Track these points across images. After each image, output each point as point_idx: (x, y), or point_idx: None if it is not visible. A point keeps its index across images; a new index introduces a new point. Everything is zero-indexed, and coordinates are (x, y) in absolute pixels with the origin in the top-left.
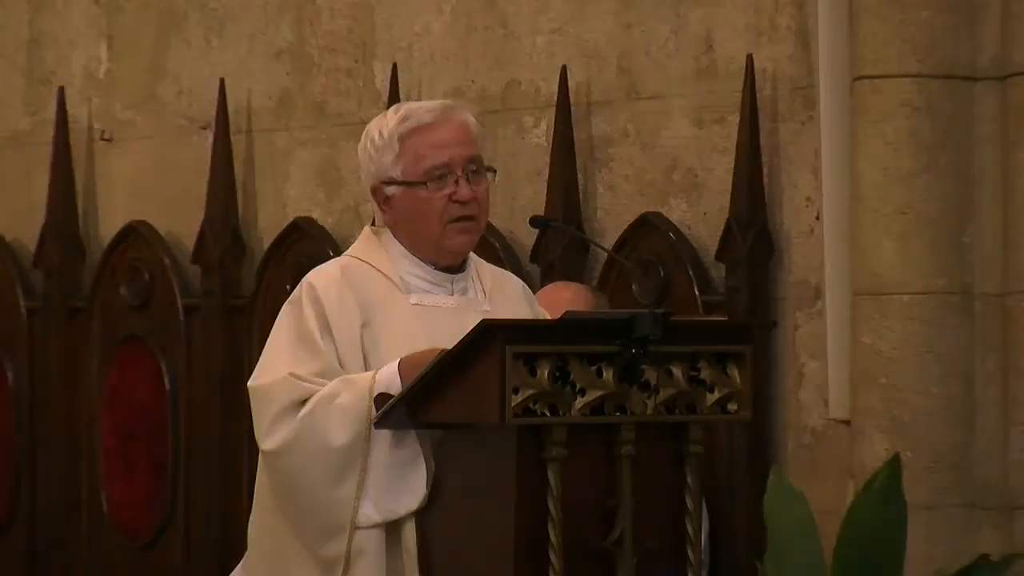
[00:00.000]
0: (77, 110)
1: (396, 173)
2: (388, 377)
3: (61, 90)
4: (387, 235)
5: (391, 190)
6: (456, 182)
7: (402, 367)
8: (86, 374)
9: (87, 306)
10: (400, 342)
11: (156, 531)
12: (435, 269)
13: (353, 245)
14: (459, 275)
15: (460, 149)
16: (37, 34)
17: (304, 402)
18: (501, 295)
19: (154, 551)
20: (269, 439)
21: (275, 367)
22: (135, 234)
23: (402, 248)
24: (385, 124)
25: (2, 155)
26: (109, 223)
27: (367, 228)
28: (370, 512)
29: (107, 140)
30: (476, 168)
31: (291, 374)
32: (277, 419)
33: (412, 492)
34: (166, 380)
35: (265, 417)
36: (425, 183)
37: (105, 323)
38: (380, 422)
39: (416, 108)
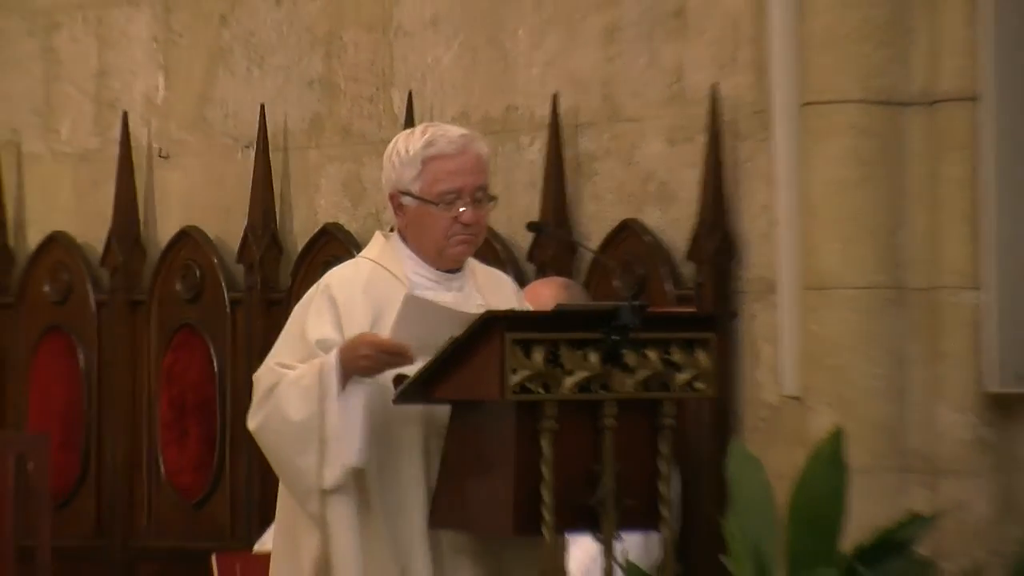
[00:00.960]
0: (138, 131)
1: (414, 188)
2: (331, 362)
3: (125, 114)
4: (396, 239)
5: (406, 200)
6: (463, 206)
7: (341, 350)
8: (145, 357)
9: (147, 299)
10: (421, 337)
11: (206, 492)
12: (436, 270)
13: (366, 248)
14: (456, 274)
15: (472, 179)
16: (104, 66)
17: (276, 386)
18: (492, 290)
19: (204, 509)
20: (252, 420)
21: (272, 358)
22: (188, 237)
23: (408, 251)
24: (412, 143)
25: (75, 169)
26: (166, 228)
27: (378, 233)
28: (330, 474)
29: (164, 157)
30: (481, 196)
31: (277, 363)
32: (258, 402)
33: (346, 460)
34: (214, 362)
35: (253, 401)
36: (437, 203)
37: (162, 313)
38: (398, 399)
39: (440, 136)
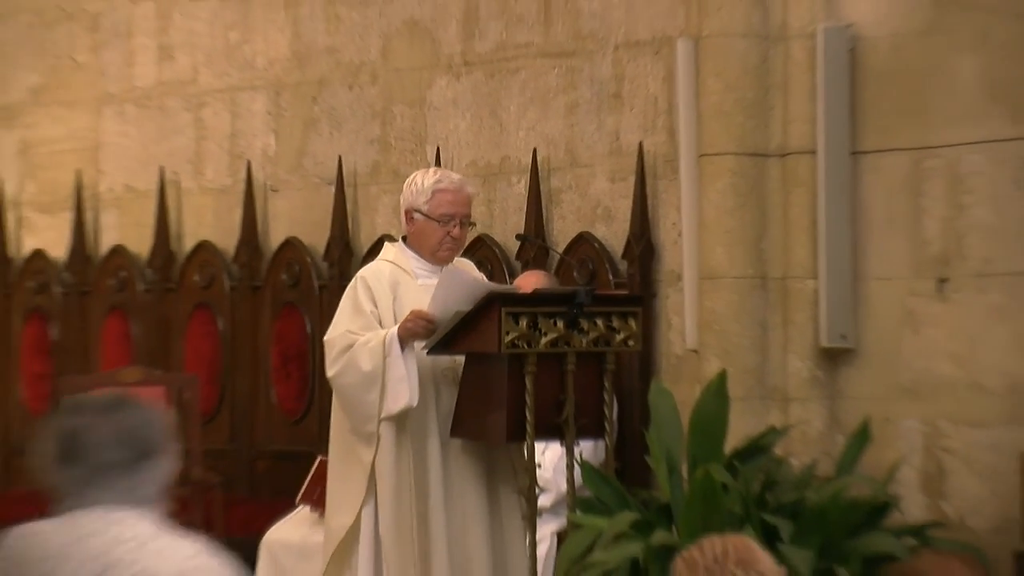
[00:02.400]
0: (257, 173)
1: (423, 208)
2: (393, 334)
3: (248, 163)
4: (402, 246)
5: (416, 216)
6: (454, 226)
7: (399, 328)
8: (263, 324)
9: (263, 285)
10: (414, 305)
11: (302, 413)
12: (430, 264)
13: (383, 252)
14: (443, 266)
15: (463, 209)
16: (235, 130)
17: (350, 346)
18: (459, 275)
19: (301, 425)
20: (331, 369)
21: (339, 326)
22: (290, 244)
23: (412, 253)
24: (427, 178)
25: (215, 199)
26: (276, 238)
27: (387, 243)
28: (387, 408)
29: (274, 191)
30: (466, 221)
31: (347, 330)
32: (335, 357)
33: (401, 399)
34: (308, 327)
35: (330, 356)
36: (438, 221)
37: (273, 295)
38: (430, 352)
39: (445, 176)
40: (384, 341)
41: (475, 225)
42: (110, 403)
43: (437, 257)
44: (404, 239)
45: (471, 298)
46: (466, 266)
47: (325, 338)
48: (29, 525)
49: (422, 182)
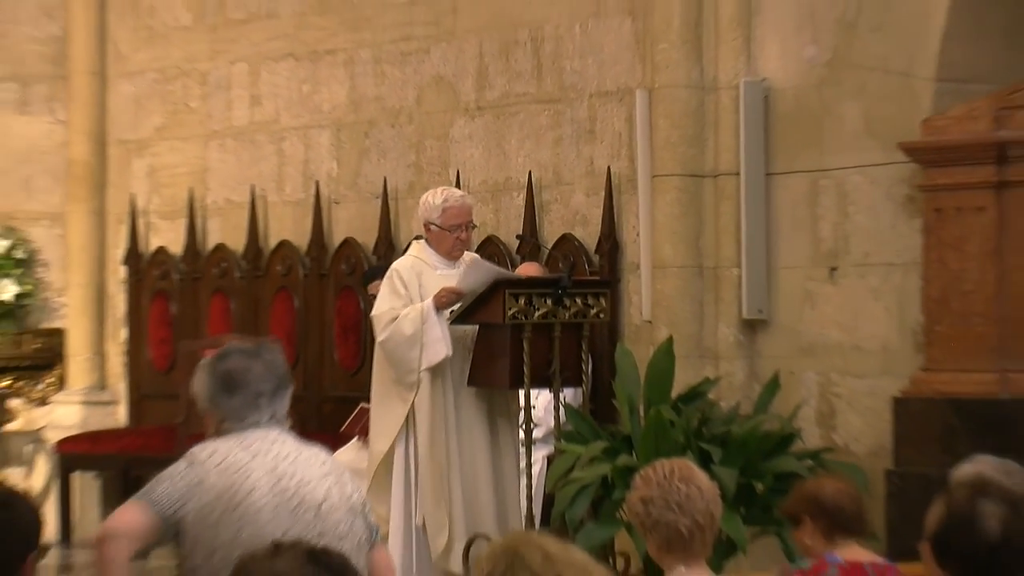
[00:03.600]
0: (323, 190)
1: (438, 221)
2: (428, 305)
3: (317, 183)
4: (423, 244)
5: (432, 227)
6: (462, 231)
7: (434, 300)
8: (327, 303)
9: (328, 273)
10: (435, 288)
11: (357, 367)
12: (445, 259)
13: (410, 249)
14: (455, 262)
15: (466, 218)
16: (307, 157)
17: (395, 319)
18: (478, 263)
19: (356, 377)
20: (381, 335)
21: (382, 304)
22: (348, 243)
23: (431, 251)
24: (437, 197)
25: (293, 210)
26: (337, 238)
27: (414, 242)
28: (427, 361)
29: (336, 203)
30: (469, 227)
31: (391, 307)
32: (384, 326)
33: (439, 353)
34: (361, 305)
35: (379, 326)
36: (449, 231)
37: (335, 281)
38: (453, 322)
39: (451, 195)
40: (422, 311)
41: (476, 227)
42: (255, 348)
43: (451, 256)
44: (426, 239)
45: (488, 280)
46: (474, 256)
47: (373, 313)
48: (208, 444)
49: (433, 201)
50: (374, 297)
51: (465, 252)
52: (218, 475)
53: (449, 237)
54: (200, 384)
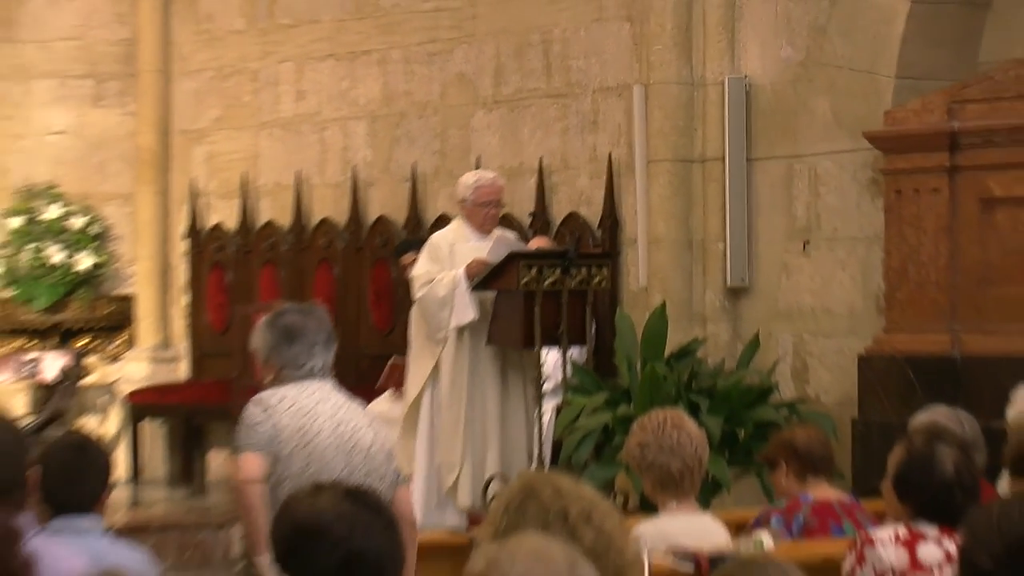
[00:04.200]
0: (360, 174)
1: (470, 199)
2: (460, 273)
3: (354, 167)
4: (461, 220)
5: (466, 204)
6: (491, 208)
7: (465, 269)
8: (363, 272)
9: (363, 247)
10: (468, 258)
11: (389, 329)
12: (477, 233)
13: (450, 224)
14: (488, 235)
15: (496, 196)
16: (345, 145)
17: (430, 281)
18: (502, 237)
19: (389, 338)
20: (417, 294)
21: (420, 268)
22: (381, 220)
23: (466, 225)
24: (470, 178)
25: (333, 191)
26: (371, 216)
27: (454, 220)
28: (455, 321)
29: (371, 185)
30: (499, 203)
31: (427, 271)
32: (420, 287)
33: (467, 316)
34: (393, 274)
35: (416, 287)
36: (480, 206)
37: (371, 253)
38: (474, 289)
39: (483, 176)
40: (454, 278)
41: (504, 206)
42: (307, 307)
43: (482, 229)
44: (461, 215)
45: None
46: (505, 232)
47: (412, 274)
48: (274, 391)
49: (467, 181)
50: (405, 267)
51: (497, 228)
52: (289, 417)
53: (479, 212)
54: (261, 338)
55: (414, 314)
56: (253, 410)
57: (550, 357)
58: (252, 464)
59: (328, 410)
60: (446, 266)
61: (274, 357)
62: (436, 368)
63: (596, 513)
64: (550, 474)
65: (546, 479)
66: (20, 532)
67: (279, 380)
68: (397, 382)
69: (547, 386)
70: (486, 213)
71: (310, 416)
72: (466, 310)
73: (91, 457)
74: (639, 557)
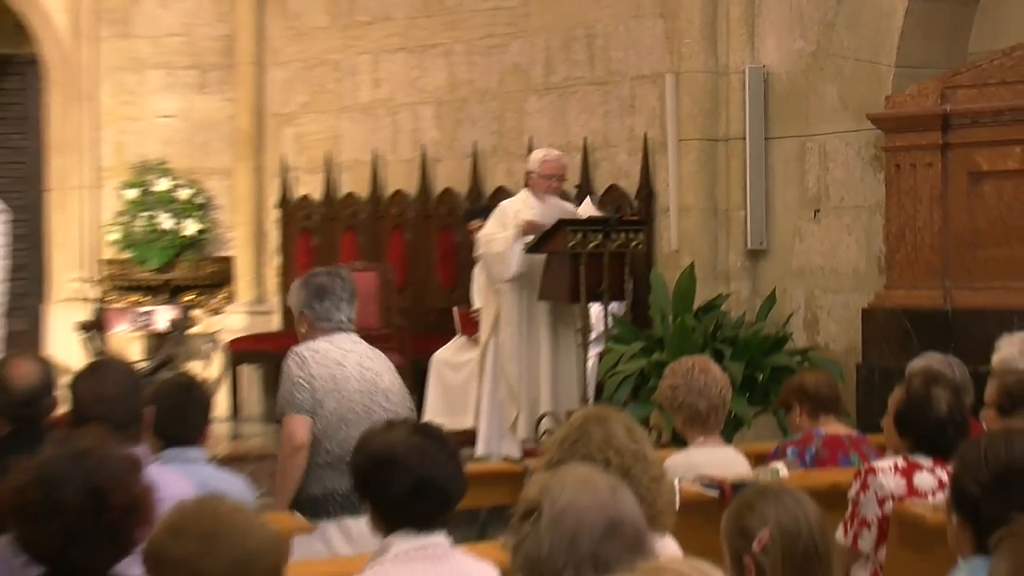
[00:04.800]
0: (428, 152)
1: (537, 171)
2: (512, 234)
3: (423, 145)
4: (526, 191)
5: (532, 175)
6: (554, 180)
7: (517, 227)
8: (431, 236)
9: (431, 215)
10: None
11: (453, 286)
12: (540, 202)
13: (518, 194)
14: (552, 200)
15: (559, 172)
16: (415, 127)
17: (493, 239)
18: (555, 204)
19: (453, 294)
20: (482, 249)
21: (489, 228)
22: (447, 191)
23: (531, 195)
24: (539, 154)
25: (405, 167)
26: (438, 188)
27: (522, 190)
28: (508, 273)
29: (438, 161)
30: (562, 179)
31: (491, 232)
32: (486, 243)
33: (515, 270)
34: (456, 238)
35: (482, 242)
36: (544, 178)
37: (438, 220)
38: (528, 252)
39: (550, 152)
40: (508, 236)
41: (566, 180)
42: (334, 269)
43: (545, 197)
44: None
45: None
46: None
47: (480, 233)
48: (307, 345)
49: (537, 156)
50: (472, 232)
51: (559, 199)
52: (320, 367)
53: (543, 183)
54: (296, 296)
55: (479, 271)
56: (291, 367)
57: (594, 311)
58: (301, 429)
59: (355, 359)
60: (508, 227)
61: (308, 312)
62: (498, 319)
63: (637, 468)
64: (607, 418)
65: (601, 425)
66: (140, 461)
67: (312, 332)
68: (466, 328)
69: (591, 336)
70: (549, 185)
71: (339, 365)
72: (516, 264)
73: (196, 396)
74: (670, 508)
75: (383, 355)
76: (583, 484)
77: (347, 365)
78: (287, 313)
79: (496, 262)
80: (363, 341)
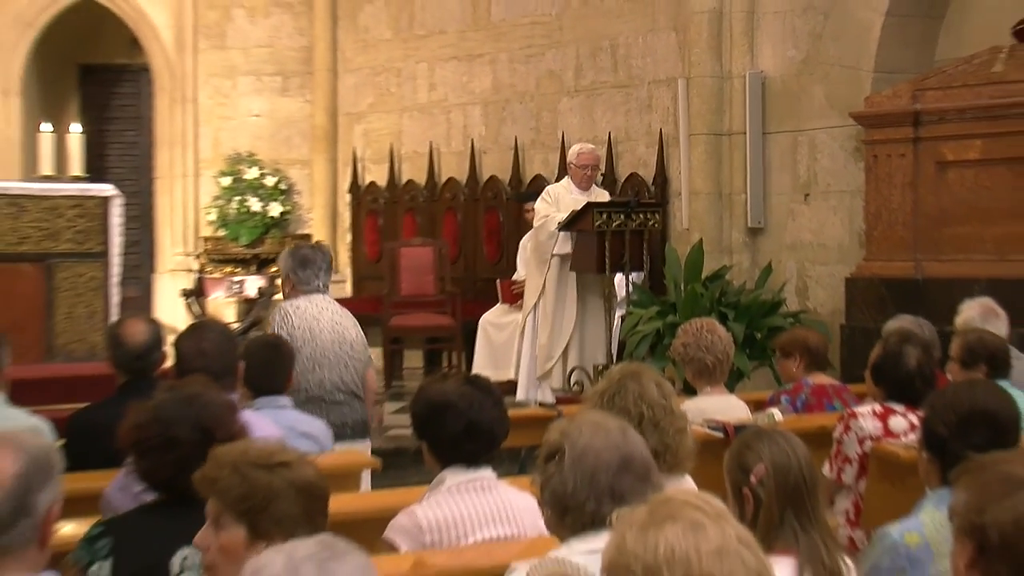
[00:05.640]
0: (477, 145)
1: (574, 162)
2: (555, 217)
3: (472, 139)
4: (567, 179)
5: (571, 165)
6: (588, 170)
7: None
8: (479, 217)
9: (479, 198)
10: (567, 206)
11: (498, 259)
12: (577, 188)
13: (561, 181)
14: (584, 190)
15: (593, 163)
16: (465, 123)
17: (546, 217)
18: (597, 194)
19: (497, 265)
20: (537, 223)
21: (540, 210)
22: (493, 179)
23: (570, 182)
24: (576, 146)
25: (457, 158)
26: (485, 175)
27: (565, 177)
28: (556, 250)
29: (484, 153)
30: (596, 167)
31: (544, 209)
32: (539, 220)
33: (565, 248)
34: (501, 218)
35: (537, 220)
36: (579, 168)
37: (484, 203)
38: (561, 230)
39: (585, 146)
40: (552, 218)
41: (600, 170)
42: (316, 245)
43: (580, 186)
44: (568, 173)
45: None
46: (597, 192)
47: (535, 205)
48: (291, 303)
49: (575, 148)
50: (527, 212)
51: (595, 186)
52: (299, 320)
53: (579, 173)
54: (285, 262)
55: (528, 245)
56: (278, 320)
57: (617, 279)
58: None
59: (328, 315)
60: (553, 208)
61: (292, 276)
62: (544, 286)
63: (665, 421)
64: (640, 375)
65: (636, 381)
66: (236, 405)
67: (294, 293)
68: (507, 298)
69: (615, 301)
70: (583, 174)
71: (315, 319)
72: (564, 244)
73: (282, 352)
74: (691, 454)
75: (350, 313)
76: (597, 427)
77: (321, 320)
78: (357, 281)
79: (547, 239)
80: (335, 302)
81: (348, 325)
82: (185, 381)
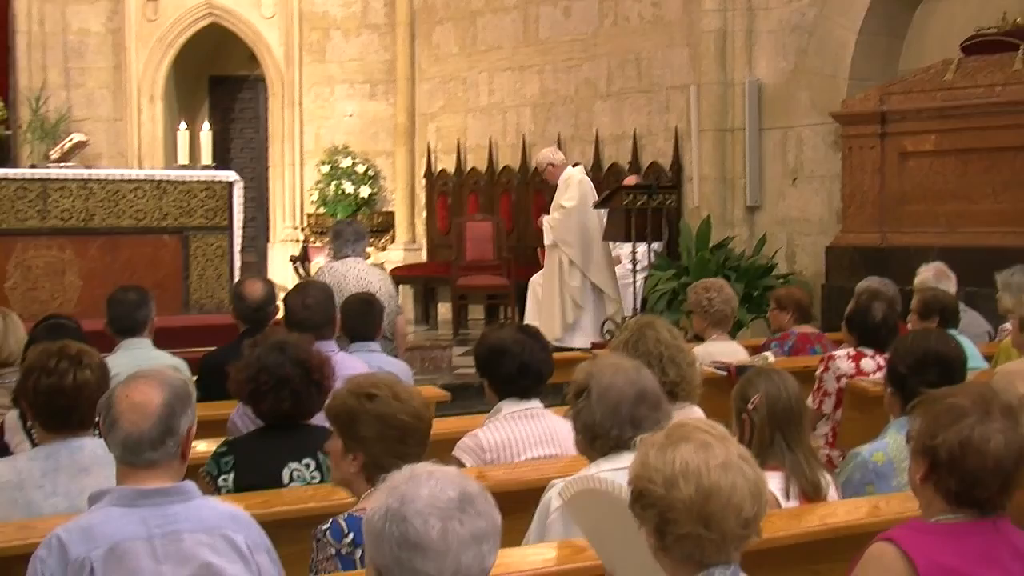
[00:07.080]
0: (527, 139)
1: (555, 161)
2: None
3: (524, 135)
4: (581, 168)
5: (552, 166)
6: (545, 174)
7: None
8: (529, 199)
9: (528, 182)
10: (586, 193)
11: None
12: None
13: (576, 169)
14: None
15: (540, 167)
16: (518, 122)
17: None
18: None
19: (543, 238)
20: (567, 205)
21: (559, 200)
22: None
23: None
24: (549, 151)
25: (511, 150)
26: (533, 165)
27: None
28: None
29: (533, 146)
30: (544, 170)
31: (567, 202)
32: (566, 209)
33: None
34: (545, 199)
35: (554, 212)
36: (562, 166)
37: (534, 186)
38: (595, 207)
39: (558, 151)
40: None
41: (554, 166)
42: (348, 221)
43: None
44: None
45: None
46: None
47: (563, 180)
48: (328, 263)
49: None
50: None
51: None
52: (330, 276)
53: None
54: (329, 236)
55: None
56: (320, 274)
57: (640, 248)
58: None
59: (354, 272)
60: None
61: (331, 244)
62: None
63: (679, 357)
64: (654, 323)
65: (652, 328)
66: (313, 341)
67: (333, 258)
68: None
69: (639, 265)
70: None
71: (344, 274)
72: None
73: (374, 306)
74: (699, 385)
75: (378, 270)
76: (616, 368)
77: (348, 276)
78: (431, 249)
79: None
80: (365, 263)
81: (373, 280)
82: (264, 335)
